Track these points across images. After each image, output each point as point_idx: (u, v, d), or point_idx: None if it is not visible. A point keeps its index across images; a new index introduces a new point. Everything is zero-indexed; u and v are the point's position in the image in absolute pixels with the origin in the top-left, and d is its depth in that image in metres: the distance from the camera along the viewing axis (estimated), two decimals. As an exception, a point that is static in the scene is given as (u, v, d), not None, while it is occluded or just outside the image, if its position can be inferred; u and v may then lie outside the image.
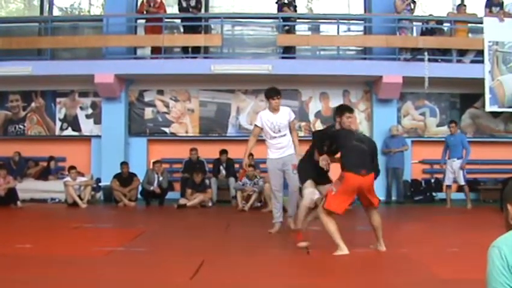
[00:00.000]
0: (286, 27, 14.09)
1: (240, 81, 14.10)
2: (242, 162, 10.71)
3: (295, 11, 14.18)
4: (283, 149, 8.36)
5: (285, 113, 8.40)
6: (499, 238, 2.29)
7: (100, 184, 13.88)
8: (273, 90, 8.42)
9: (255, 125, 8.62)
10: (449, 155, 12.67)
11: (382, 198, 12.96)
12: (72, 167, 12.86)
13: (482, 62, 13.33)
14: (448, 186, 12.73)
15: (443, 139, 13.06)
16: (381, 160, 13.82)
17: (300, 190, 7.95)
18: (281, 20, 13.97)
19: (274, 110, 8.36)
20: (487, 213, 11.57)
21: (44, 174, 14.00)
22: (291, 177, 8.31)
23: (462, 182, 12.51)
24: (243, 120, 14.49)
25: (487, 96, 13.37)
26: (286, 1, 13.88)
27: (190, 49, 13.99)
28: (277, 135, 8.35)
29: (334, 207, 6.31)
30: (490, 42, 13.37)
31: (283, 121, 8.32)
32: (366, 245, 6.95)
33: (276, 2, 13.95)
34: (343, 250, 6.33)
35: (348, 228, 9.00)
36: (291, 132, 8.48)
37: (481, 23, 13.64)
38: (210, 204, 12.74)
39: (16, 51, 13.96)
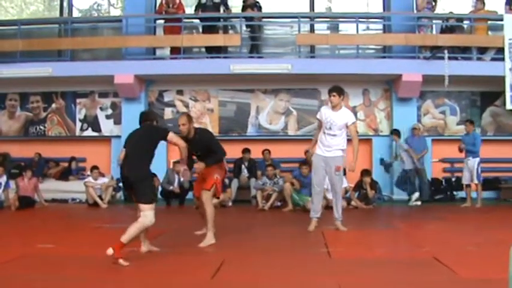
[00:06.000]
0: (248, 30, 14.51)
1: (260, 81, 14.12)
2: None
3: (260, 11, 14.24)
4: (329, 148, 8.27)
5: (344, 114, 8.28)
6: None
7: (120, 184, 13.92)
8: (332, 87, 8.35)
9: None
10: (465, 154, 12.57)
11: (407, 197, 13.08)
12: (94, 167, 12.98)
13: (502, 59, 13.22)
14: (467, 185, 12.61)
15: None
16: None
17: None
18: (300, 19, 14.07)
19: (333, 107, 8.29)
20: (508, 212, 11.48)
21: (64, 175, 14.10)
22: (333, 177, 8.31)
23: (476, 181, 12.38)
24: (263, 119, 14.49)
25: (508, 94, 13.26)
26: (248, 3, 14.10)
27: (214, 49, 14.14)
28: (328, 132, 8.28)
29: None
30: (510, 39, 13.25)
31: (338, 121, 8.22)
32: (387, 244, 6.92)
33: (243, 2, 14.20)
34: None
35: (368, 227, 8.99)
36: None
37: (501, 20, 13.54)
38: (229, 203, 12.74)
39: (36, 53, 14.07)
